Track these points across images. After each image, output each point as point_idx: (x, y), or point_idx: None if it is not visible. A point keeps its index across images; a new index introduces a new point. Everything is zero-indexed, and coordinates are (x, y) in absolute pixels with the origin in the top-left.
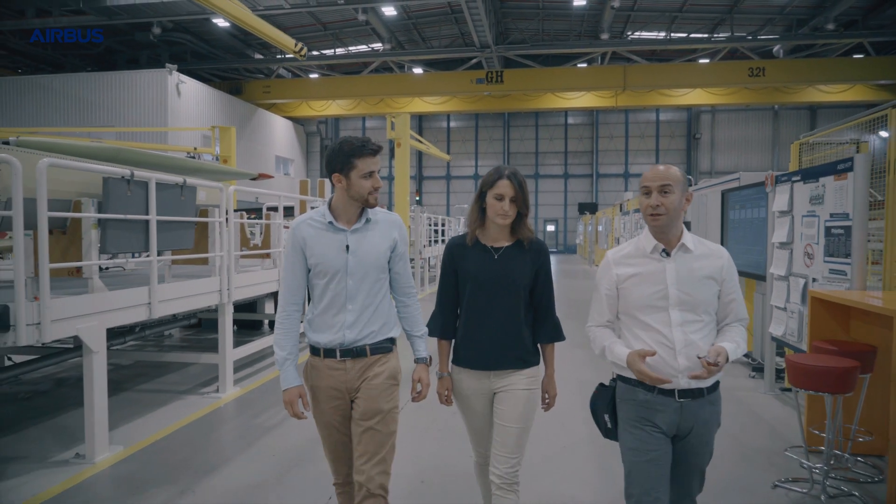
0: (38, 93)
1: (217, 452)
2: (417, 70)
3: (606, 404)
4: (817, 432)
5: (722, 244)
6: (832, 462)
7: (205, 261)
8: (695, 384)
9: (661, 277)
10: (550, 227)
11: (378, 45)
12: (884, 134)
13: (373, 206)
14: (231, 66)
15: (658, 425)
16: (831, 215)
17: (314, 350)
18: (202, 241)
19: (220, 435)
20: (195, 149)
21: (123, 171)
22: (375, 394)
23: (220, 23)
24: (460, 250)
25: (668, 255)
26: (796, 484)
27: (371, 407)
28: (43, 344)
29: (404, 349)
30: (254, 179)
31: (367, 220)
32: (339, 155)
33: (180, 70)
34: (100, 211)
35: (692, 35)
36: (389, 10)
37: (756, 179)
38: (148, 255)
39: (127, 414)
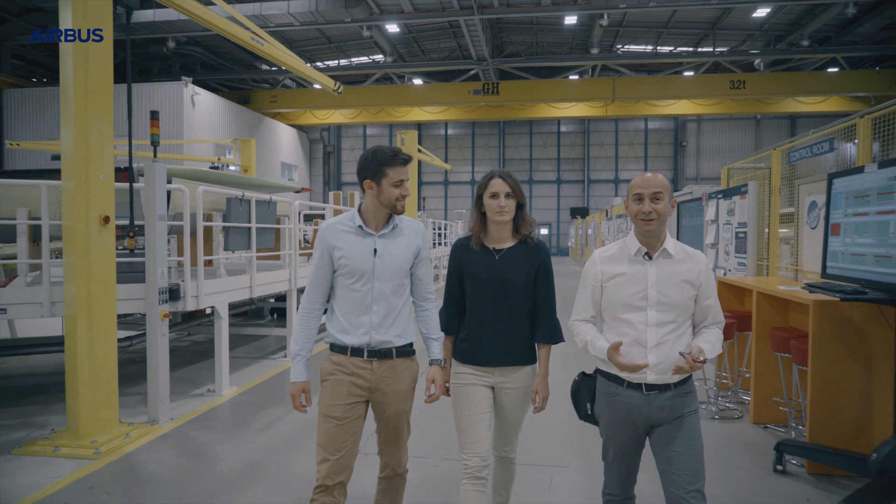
0: (58, 104)
1: None
2: (417, 81)
3: (589, 393)
4: (720, 372)
5: None
6: (728, 391)
7: (269, 256)
8: (662, 379)
9: (643, 279)
10: (544, 231)
11: (380, 57)
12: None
13: (400, 213)
14: (239, 76)
15: (629, 416)
16: (738, 224)
17: (339, 348)
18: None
19: None
20: (219, 159)
21: (237, 192)
22: (402, 398)
23: None
24: (465, 252)
25: (651, 258)
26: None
27: (398, 409)
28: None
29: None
30: (297, 192)
31: (395, 227)
32: (371, 163)
33: (192, 81)
34: (224, 221)
35: (678, 49)
36: (393, 28)
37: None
38: (248, 252)
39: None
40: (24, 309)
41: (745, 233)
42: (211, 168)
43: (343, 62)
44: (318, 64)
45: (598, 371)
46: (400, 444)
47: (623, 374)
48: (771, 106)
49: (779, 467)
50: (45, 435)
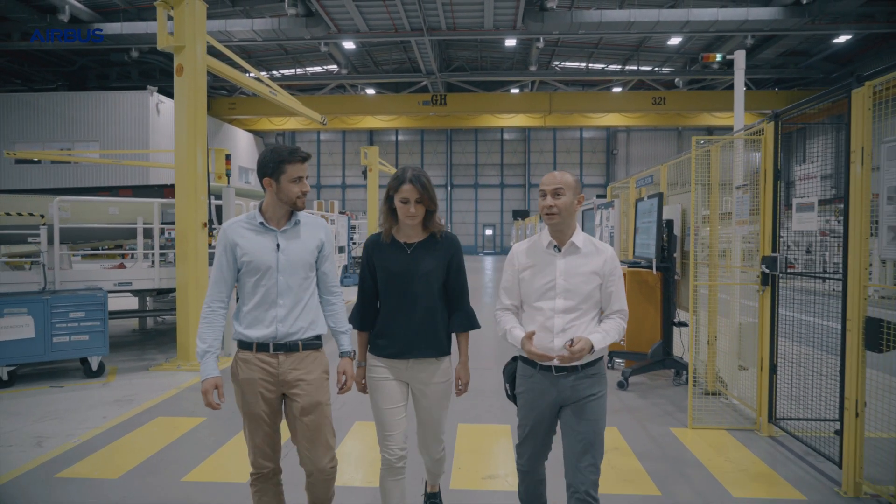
0: (23, 109)
1: None
2: (370, 91)
3: (510, 375)
4: None
5: None
6: None
7: None
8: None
9: (552, 270)
10: (489, 231)
11: (334, 68)
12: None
13: (300, 210)
14: None
15: (541, 396)
16: (612, 227)
17: (245, 344)
18: None
19: None
20: None
21: None
22: (312, 389)
23: None
24: (377, 247)
25: (560, 250)
26: None
27: (311, 402)
28: None
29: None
30: None
31: (296, 223)
32: (270, 161)
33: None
34: None
35: (608, 67)
36: (349, 44)
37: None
38: None
39: None
40: (143, 282)
41: (614, 233)
42: None
43: (299, 71)
44: (275, 73)
45: (518, 357)
46: (321, 443)
47: (535, 359)
48: (689, 120)
49: (609, 365)
50: (165, 361)
